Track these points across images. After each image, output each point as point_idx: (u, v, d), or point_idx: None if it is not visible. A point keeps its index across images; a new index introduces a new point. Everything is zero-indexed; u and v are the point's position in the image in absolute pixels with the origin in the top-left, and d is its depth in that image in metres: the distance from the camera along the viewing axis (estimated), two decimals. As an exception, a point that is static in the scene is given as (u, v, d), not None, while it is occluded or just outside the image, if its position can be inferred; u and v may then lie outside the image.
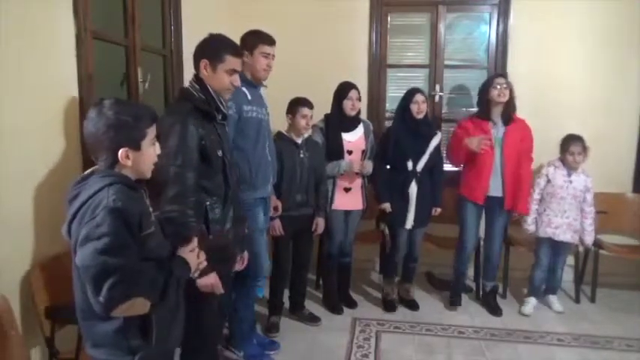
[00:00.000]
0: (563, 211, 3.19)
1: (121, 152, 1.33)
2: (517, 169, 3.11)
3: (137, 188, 1.38)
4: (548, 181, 3.23)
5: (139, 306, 1.28)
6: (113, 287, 1.21)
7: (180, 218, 1.78)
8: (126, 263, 1.24)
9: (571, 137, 3.20)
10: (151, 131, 1.40)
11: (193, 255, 1.53)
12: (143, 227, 1.33)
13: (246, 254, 2.24)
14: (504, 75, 3.27)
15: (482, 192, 3.13)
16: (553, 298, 3.38)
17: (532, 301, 3.33)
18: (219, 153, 1.94)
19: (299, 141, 2.94)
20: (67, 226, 1.32)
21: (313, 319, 3.12)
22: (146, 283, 1.29)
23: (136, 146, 1.35)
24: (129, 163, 1.35)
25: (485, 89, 3.13)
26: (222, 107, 1.99)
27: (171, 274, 1.37)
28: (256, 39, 2.50)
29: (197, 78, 1.97)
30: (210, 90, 1.95)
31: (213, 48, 1.98)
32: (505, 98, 3.07)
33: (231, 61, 1.97)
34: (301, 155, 2.92)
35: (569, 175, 3.19)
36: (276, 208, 2.80)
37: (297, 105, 2.90)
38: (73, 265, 1.33)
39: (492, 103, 3.09)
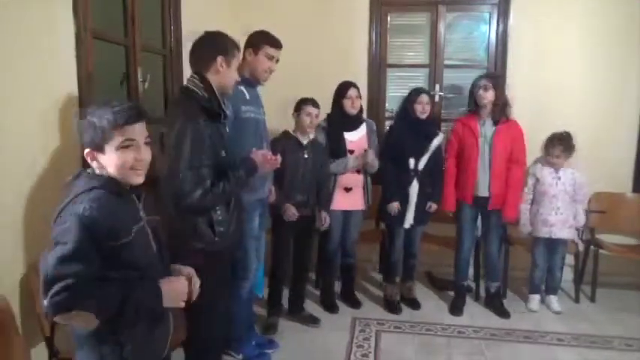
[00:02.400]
0: (556, 208, 3.20)
1: (85, 153, 1.33)
2: (506, 171, 3.10)
3: (122, 194, 1.34)
4: (537, 180, 3.25)
5: (85, 319, 1.22)
6: (57, 294, 1.18)
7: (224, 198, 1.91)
8: (78, 275, 1.19)
9: (552, 139, 3.22)
10: (120, 135, 1.30)
11: (183, 284, 1.41)
12: (119, 236, 1.28)
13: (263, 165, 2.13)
14: (491, 75, 3.24)
15: (470, 192, 3.13)
16: (553, 299, 3.38)
17: (536, 298, 3.37)
18: (223, 153, 1.94)
19: (304, 141, 2.94)
20: (54, 222, 1.31)
21: (313, 321, 3.11)
22: (96, 299, 1.22)
23: (99, 149, 1.31)
24: (95, 164, 1.33)
25: (472, 89, 3.14)
26: (223, 106, 2.00)
27: (133, 296, 1.27)
28: (263, 39, 2.48)
29: (201, 77, 1.96)
30: (215, 89, 1.95)
31: (226, 44, 1.99)
32: (486, 100, 3.06)
33: (239, 57, 2.01)
34: (305, 156, 2.92)
35: (557, 171, 3.21)
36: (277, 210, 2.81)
37: (302, 103, 2.92)
38: None
39: (479, 102, 3.10)
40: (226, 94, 2.06)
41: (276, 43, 2.51)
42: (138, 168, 1.34)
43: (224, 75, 1.97)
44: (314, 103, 2.92)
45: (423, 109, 3.10)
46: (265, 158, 2.07)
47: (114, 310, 1.24)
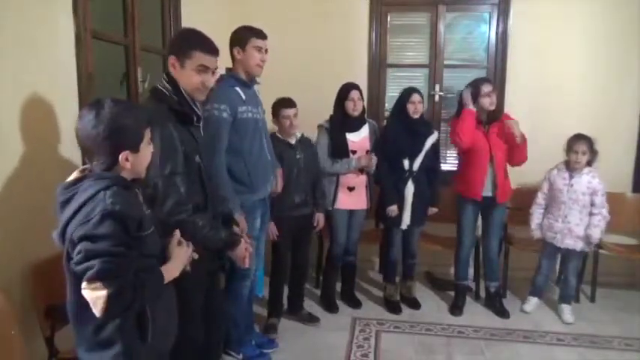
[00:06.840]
0: (563, 216, 3.11)
1: (122, 156, 1.32)
2: (507, 159, 3.13)
3: (132, 188, 1.38)
4: (551, 184, 3.18)
5: (100, 301, 1.20)
6: (105, 263, 1.19)
7: (196, 233, 1.75)
8: (124, 265, 1.23)
9: (576, 136, 3.10)
10: (147, 132, 1.40)
11: (182, 249, 1.49)
12: (145, 227, 1.33)
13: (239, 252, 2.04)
14: (488, 79, 3.19)
15: (480, 188, 3.11)
16: (565, 308, 3.22)
17: (534, 300, 3.33)
18: (197, 159, 1.85)
19: (293, 141, 2.93)
20: (61, 230, 1.29)
21: (312, 320, 3.11)
22: (130, 289, 1.24)
23: (136, 149, 1.35)
24: (128, 165, 1.34)
25: (474, 96, 3.05)
26: (196, 109, 1.89)
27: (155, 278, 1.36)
28: (247, 33, 2.41)
29: (169, 77, 1.86)
30: (182, 90, 1.85)
31: (181, 43, 1.88)
32: (493, 106, 3.05)
33: (200, 58, 1.84)
34: (297, 156, 2.92)
35: (571, 178, 3.09)
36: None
37: (277, 107, 2.88)
38: (65, 270, 1.32)
39: (485, 109, 3.06)
40: (195, 98, 1.90)
41: (261, 34, 2.43)
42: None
43: (179, 76, 1.83)
44: (288, 104, 2.86)
45: (415, 108, 3.08)
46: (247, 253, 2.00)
47: (130, 296, 1.24)
